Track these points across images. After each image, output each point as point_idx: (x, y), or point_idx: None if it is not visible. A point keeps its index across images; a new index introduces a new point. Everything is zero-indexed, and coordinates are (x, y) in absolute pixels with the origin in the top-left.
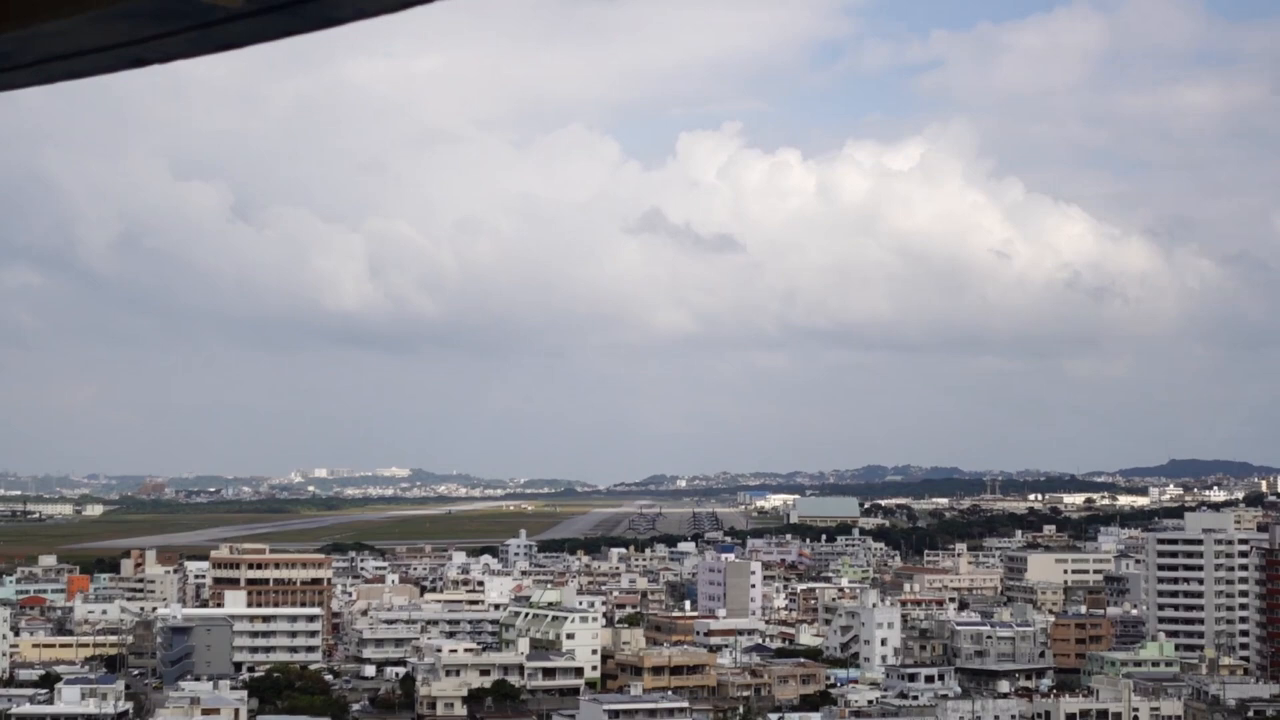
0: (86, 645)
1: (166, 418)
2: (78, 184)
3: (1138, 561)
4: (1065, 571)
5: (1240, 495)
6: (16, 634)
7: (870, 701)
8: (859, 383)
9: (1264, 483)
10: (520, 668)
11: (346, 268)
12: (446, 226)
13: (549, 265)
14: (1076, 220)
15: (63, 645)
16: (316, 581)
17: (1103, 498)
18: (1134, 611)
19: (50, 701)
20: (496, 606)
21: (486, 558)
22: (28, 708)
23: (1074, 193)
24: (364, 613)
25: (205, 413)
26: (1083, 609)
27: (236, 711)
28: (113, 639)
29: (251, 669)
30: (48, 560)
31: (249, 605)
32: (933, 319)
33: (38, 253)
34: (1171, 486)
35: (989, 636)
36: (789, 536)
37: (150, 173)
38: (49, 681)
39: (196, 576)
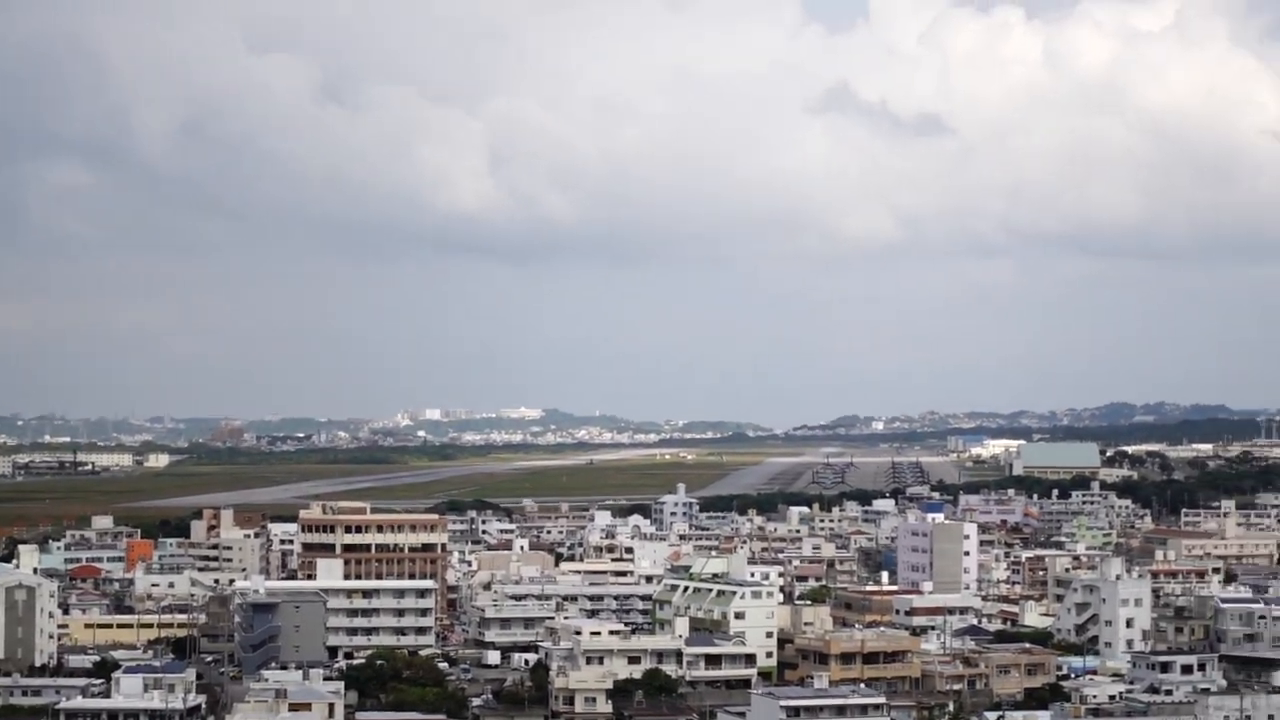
0: (150, 625)
1: (244, 347)
2: (132, 60)
3: None
4: None
5: None
6: (66, 611)
7: (1113, 697)
8: (1100, 299)
9: None
10: (678, 654)
11: (461, 159)
12: (584, 107)
13: (711, 155)
14: None
15: (121, 625)
16: (429, 548)
17: None
18: None
19: (106, 694)
20: (649, 579)
21: (636, 518)
22: (79, 701)
23: None
24: (487, 586)
25: (291, 340)
26: None
27: (331, 706)
28: (181, 618)
29: (349, 655)
30: (102, 522)
31: (346, 577)
32: (1192, 218)
33: (85, 145)
34: None
35: (1263, 616)
36: (1011, 492)
37: (221, 45)
38: (105, 669)
39: (282, 542)
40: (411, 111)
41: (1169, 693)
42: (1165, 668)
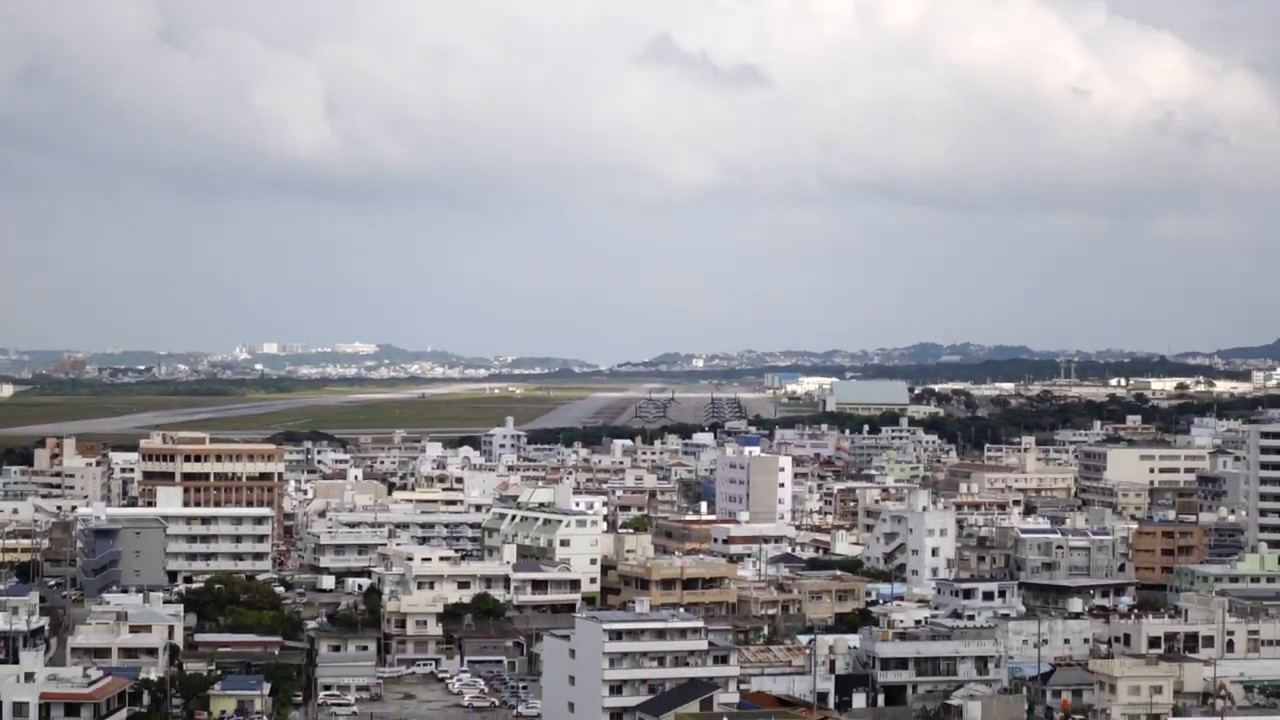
0: None
1: (87, 282)
2: None
3: (1237, 459)
4: (1151, 470)
5: None
6: None
7: (918, 622)
8: (909, 245)
9: None
10: (505, 580)
11: (297, 103)
12: (417, 56)
13: (540, 103)
14: (1170, 50)
15: None
16: (265, 476)
17: (1197, 383)
18: (1231, 518)
19: None
20: (478, 508)
21: (466, 450)
22: None
23: (1167, 17)
24: (321, 514)
25: (132, 277)
26: (1171, 514)
27: (170, 628)
28: (25, 543)
29: (188, 579)
30: None
31: (185, 504)
32: (997, 169)
33: None
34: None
35: (1059, 547)
36: (825, 427)
37: None
38: None
39: (123, 470)
40: (248, 56)
41: (971, 618)
42: (968, 594)
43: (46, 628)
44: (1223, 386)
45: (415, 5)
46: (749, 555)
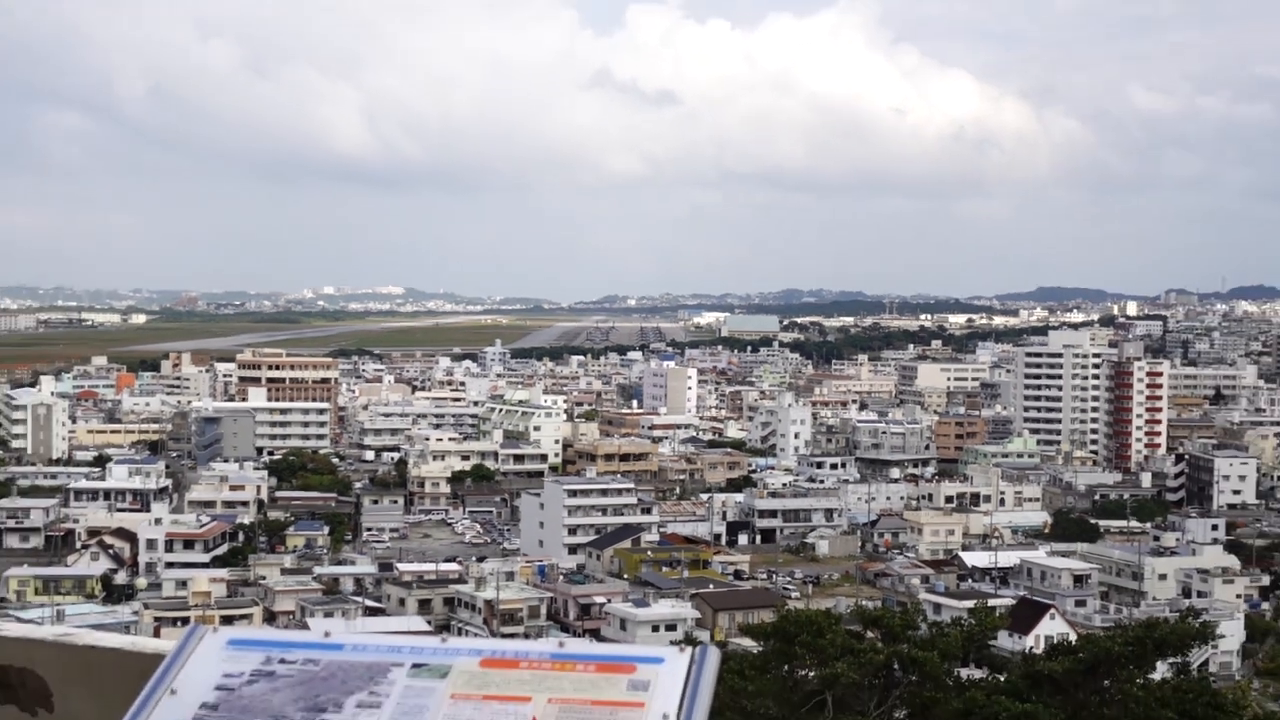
0: (133, 432)
1: (198, 242)
2: (111, 40)
3: (1008, 371)
4: (948, 379)
5: (1096, 317)
6: (74, 422)
7: (784, 484)
8: (781, 218)
9: (1115, 307)
10: (495, 454)
11: (343, 116)
12: (428, 82)
13: (515, 117)
14: (962, 82)
15: (113, 432)
16: (325, 381)
17: (981, 318)
18: (1004, 412)
19: (103, 478)
20: (476, 403)
21: (468, 363)
22: (84, 483)
23: (960, 59)
24: (365, 407)
25: (232, 238)
26: (962, 410)
27: (259, 488)
28: (154, 427)
29: (271, 453)
30: (100, 360)
31: (269, 400)
32: (842, 165)
33: (80, 101)
34: (1039, 309)
35: (884, 432)
36: (720, 348)
37: (176, 31)
38: (101, 462)
39: (224, 376)
40: (309, 83)
41: (822, 482)
42: (819, 465)
43: (170, 487)
44: (999, 320)
45: (427, 47)
46: (666, 438)
